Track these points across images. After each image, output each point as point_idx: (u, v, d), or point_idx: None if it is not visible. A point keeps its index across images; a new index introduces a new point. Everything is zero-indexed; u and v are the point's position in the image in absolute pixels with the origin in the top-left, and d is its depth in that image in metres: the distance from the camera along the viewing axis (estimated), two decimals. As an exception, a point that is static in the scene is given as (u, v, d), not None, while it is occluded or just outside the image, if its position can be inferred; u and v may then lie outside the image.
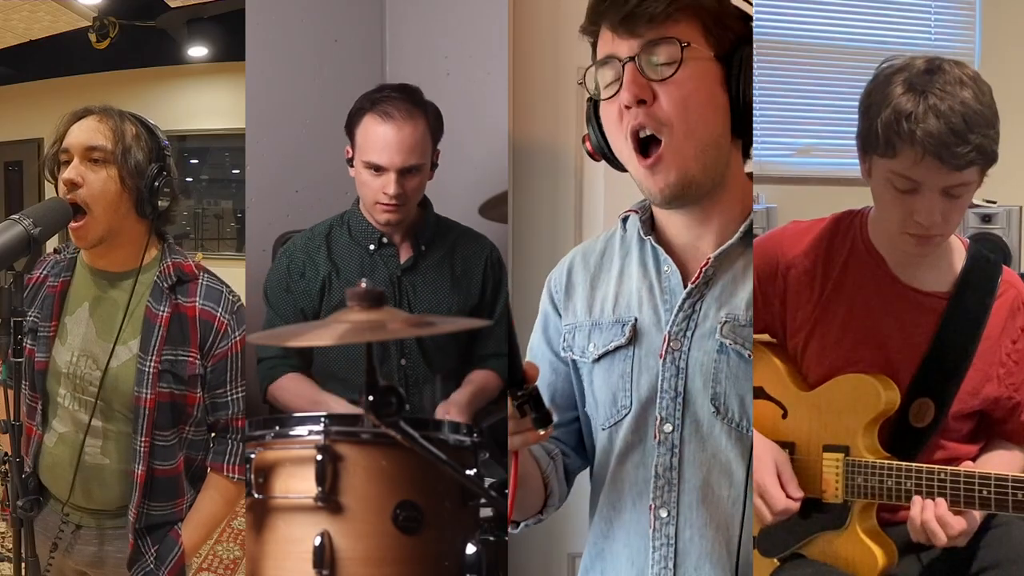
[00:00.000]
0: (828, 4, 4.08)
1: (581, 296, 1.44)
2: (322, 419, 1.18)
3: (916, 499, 1.49)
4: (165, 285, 1.67)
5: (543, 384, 1.42)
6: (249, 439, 1.23)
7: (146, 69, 7.17)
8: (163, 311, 1.65)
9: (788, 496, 1.56)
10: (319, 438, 1.16)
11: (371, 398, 1.06)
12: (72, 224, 1.58)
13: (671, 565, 1.30)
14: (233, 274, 2.24)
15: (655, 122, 1.23)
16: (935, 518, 1.47)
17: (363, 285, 1.12)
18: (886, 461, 1.57)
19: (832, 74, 4.02)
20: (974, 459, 1.65)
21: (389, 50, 2.63)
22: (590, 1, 1.27)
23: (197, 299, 1.69)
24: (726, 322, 1.28)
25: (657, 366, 1.32)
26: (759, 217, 3.61)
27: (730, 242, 1.29)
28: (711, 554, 1.28)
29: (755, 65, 1.25)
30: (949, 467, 1.51)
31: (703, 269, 1.30)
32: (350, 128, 1.99)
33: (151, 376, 1.63)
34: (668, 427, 1.30)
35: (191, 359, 1.68)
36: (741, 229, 1.29)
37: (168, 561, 1.71)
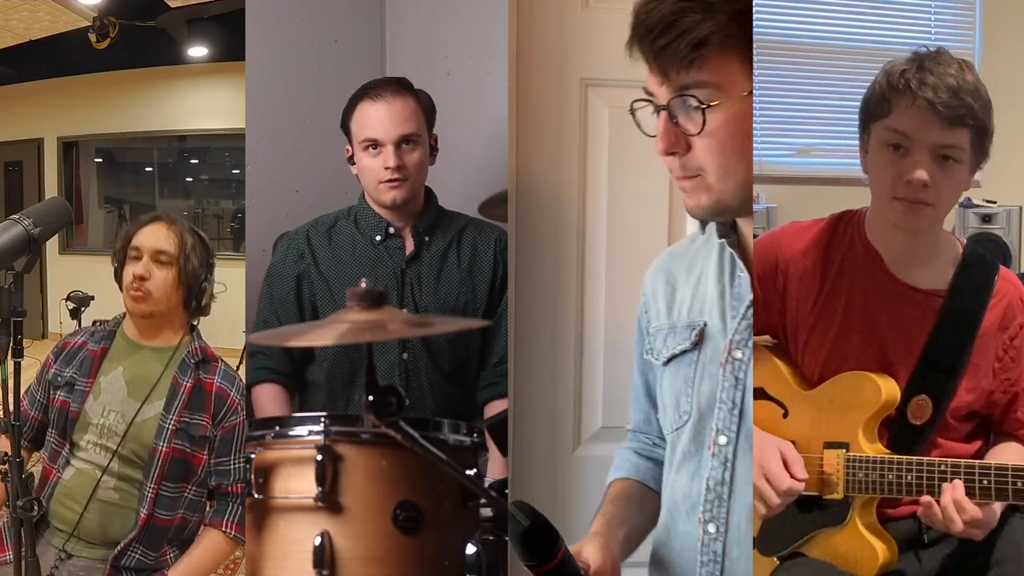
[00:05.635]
0: (828, 4, 4.08)
1: (664, 298, 1.41)
2: (322, 419, 1.18)
3: (946, 485, 1.49)
4: (192, 362, 1.95)
5: (640, 391, 1.46)
6: (249, 439, 1.23)
7: (146, 69, 7.17)
8: (187, 382, 1.92)
9: (793, 477, 1.55)
10: (319, 438, 1.16)
11: (371, 398, 1.06)
12: (133, 291, 1.89)
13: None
14: (233, 274, 2.24)
15: (690, 169, 1.18)
16: (952, 502, 1.47)
17: (363, 285, 1.12)
18: (887, 455, 1.58)
19: (832, 74, 4.02)
20: (974, 457, 1.65)
21: (389, 50, 2.63)
22: (631, 24, 1.18)
23: (216, 378, 1.96)
24: None
25: (718, 374, 1.28)
26: (759, 217, 3.61)
27: None
28: None
29: (755, 65, 1.23)
30: (949, 459, 1.52)
31: None
32: (345, 123, 2.02)
33: (170, 432, 1.87)
34: (723, 439, 1.26)
35: (204, 423, 1.91)
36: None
37: None
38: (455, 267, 2.03)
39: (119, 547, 1.84)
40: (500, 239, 2.07)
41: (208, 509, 1.97)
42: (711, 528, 1.27)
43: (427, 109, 2.01)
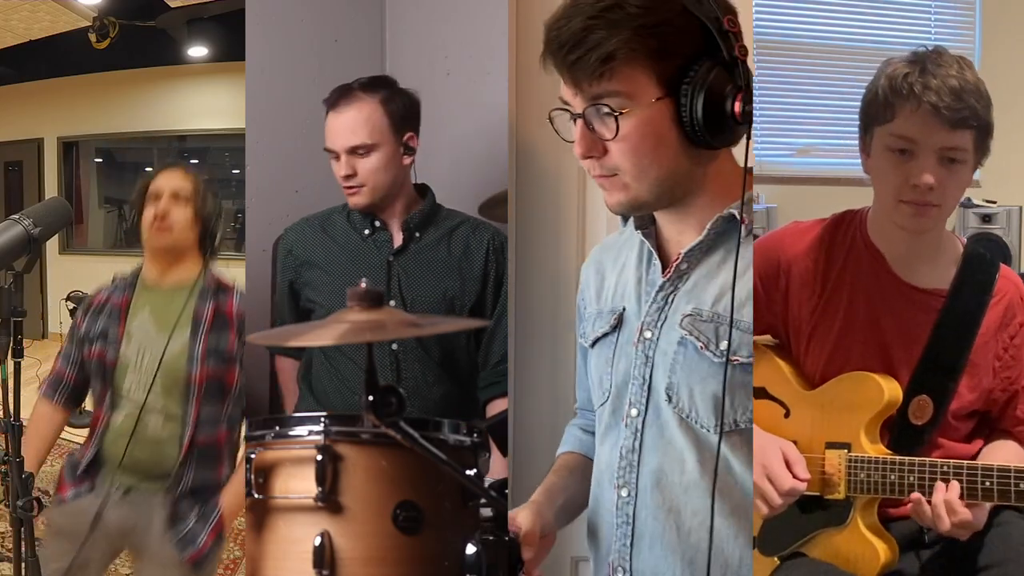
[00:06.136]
0: (828, 4, 4.08)
1: (594, 286, 1.50)
2: (322, 419, 1.18)
3: (939, 484, 1.50)
4: (209, 291, 2.08)
5: (583, 372, 1.55)
6: (249, 439, 1.23)
7: (146, 69, 7.18)
8: (207, 308, 2.06)
9: (796, 477, 1.56)
10: (319, 438, 1.16)
11: (371, 398, 1.06)
12: (157, 223, 2.03)
13: (629, 543, 1.35)
14: (233, 274, 2.25)
15: (607, 169, 1.26)
16: (943, 502, 1.48)
17: (363, 285, 1.12)
18: (888, 456, 1.58)
19: (832, 74, 4.02)
20: (973, 457, 1.65)
21: (389, 50, 2.63)
22: (544, 40, 1.29)
23: (234, 300, 2.09)
24: (688, 315, 1.31)
25: (632, 353, 1.37)
26: (759, 217, 3.61)
27: (699, 239, 1.30)
28: (663, 536, 1.32)
29: (755, 65, 1.24)
30: (952, 460, 1.52)
31: (675, 264, 1.33)
32: None
33: (200, 356, 2.01)
34: (634, 412, 1.36)
35: (230, 341, 2.04)
36: (708, 226, 1.29)
37: (210, 521, 2.00)
38: (443, 261, 2.05)
39: (174, 475, 1.97)
40: (495, 238, 2.08)
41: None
42: (623, 492, 1.36)
43: (395, 111, 2.01)
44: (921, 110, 1.49)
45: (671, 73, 1.20)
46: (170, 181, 2.09)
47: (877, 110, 1.55)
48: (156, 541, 1.96)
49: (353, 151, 1.98)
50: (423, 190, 2.10)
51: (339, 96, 2.00)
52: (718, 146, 1.24)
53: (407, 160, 2.03)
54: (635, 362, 1.36)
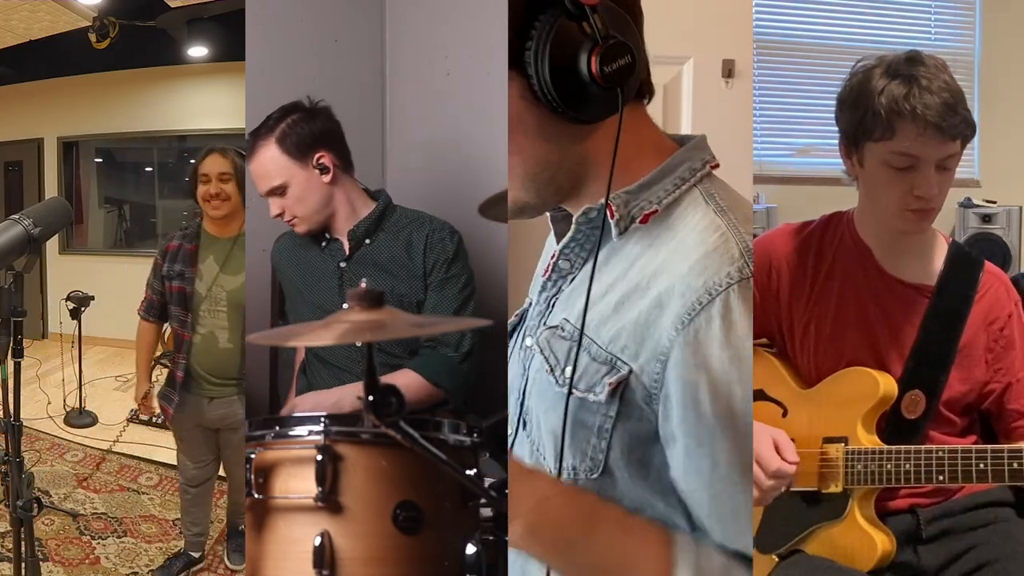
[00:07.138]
0: (828, 4, 4.08)
1: (538, 271, 1.32)
2: (322, 419, 1.18)
3: None
4: None
5: None
6: (249, 439, 1.23)
7: (146, 69, 7.16)
8: None
9: (784, 460, 1.56)
10: (319, 438, 1.17)
11: (371, 398, 1.06)
12: (215, 202, 2.55)
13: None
14: (233, 275, 2.26)
15: None
16: None
17: (363, 285, 1.12)
18: (884, 447, 1.60)
19: (832, 74, 4.00)
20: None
21: (389, 50, 2.64)
22: None
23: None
24: (552, 327, 1.09)
25: (515, 362, 1.20)
26: (759, 217, 3.61)
27: (569, 234, 1.09)
28: (524, 567, 1.13)
29: (755, 65, 1.23)
30: (946, 446, 1.55)
31: (553, 262, 1.12)
32: None
33: None
34: (511, 428, 1.19)
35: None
36: (576, 218, 1.06)
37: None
38: (389, 262, 2.09)
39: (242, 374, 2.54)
40: (433, 232, 2.10)
41: None
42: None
43: (294, 143, 2.03)
44: (926, 130, 1.52)
45: (508, 40, 0.99)
46: (215, 165, 2.58)
47: (874, 127, 1.57)
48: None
49: (271, 194, 2.05)
50: (376, 195, 2.15)
51: (249, 148, 2.07)
52: (588, 119, 1.02)
53: (326, 178, 2.05)
54: (514, 372, 1.17)
